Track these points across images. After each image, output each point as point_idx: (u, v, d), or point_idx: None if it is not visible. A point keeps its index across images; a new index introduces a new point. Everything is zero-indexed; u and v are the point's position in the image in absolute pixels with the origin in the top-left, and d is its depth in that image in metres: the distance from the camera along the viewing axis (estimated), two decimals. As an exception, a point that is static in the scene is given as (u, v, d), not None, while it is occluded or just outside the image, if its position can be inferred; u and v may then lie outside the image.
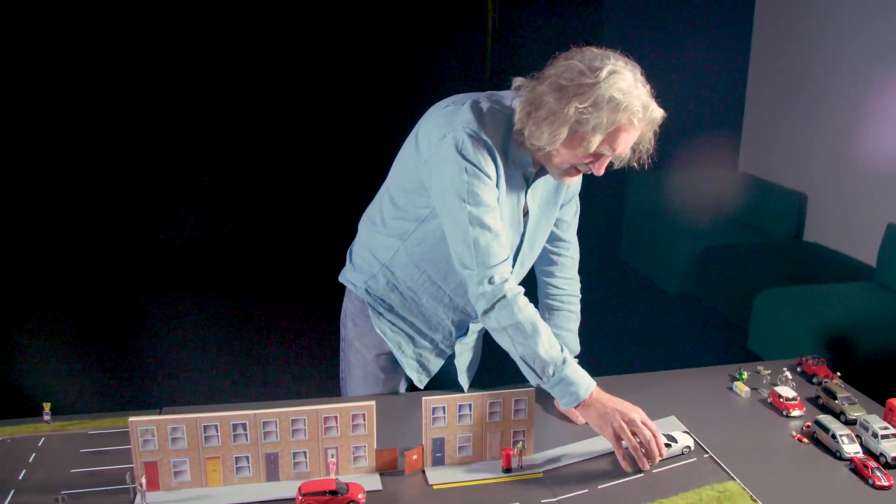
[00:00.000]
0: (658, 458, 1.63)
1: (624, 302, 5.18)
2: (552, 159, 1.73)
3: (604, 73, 1.60)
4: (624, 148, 1.69)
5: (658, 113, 1.68)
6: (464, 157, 1.67)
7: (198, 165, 5.45)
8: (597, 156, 1.70)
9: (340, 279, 2.06)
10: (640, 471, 1.63)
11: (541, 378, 1.71)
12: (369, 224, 1.98)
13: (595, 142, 1.65)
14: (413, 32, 5.45)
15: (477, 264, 1.70)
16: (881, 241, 4.33)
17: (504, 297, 1.69)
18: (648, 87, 1.67)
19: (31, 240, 5.10)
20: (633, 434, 1.63)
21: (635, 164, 1.78)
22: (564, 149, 1.69)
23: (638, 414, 1.66)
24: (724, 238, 5.32)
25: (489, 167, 1.70)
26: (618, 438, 1.64)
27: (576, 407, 1.71)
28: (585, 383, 1.71)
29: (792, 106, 5.37)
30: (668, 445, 1.66)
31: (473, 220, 1.68)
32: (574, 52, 1.67)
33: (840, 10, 4.88)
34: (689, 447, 1.69)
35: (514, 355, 1.74)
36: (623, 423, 1.63)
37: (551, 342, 1.72)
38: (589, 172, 1.75)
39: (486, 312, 1.72)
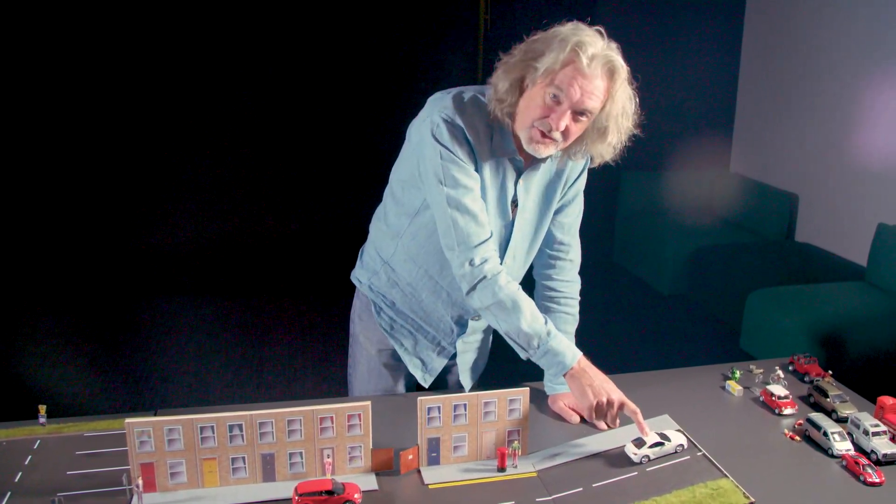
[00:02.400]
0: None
1: (617, 303, 5.20)
2: (516, 124, 1.73)
3: (566, 26, 1.66)
4: (580, 95, 1.63)
5: (619, 63, 1.65)
6: (438, 140, 1.72)
7: (195, 168, 5.44)
8: (551, 108, 1.66)
9: (351, 277, 2.11)
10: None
11: (527, 351, 1.77)
12: (376, 222, 2.04)
13: (543, 80, 1.64)
14: (410, 34, 5.46)
15: (457, 244, 1.75)
16: (872, 240, 4.36)
17: (484, 277, 1.75)
18: (621, 54, 1.67)
19: (27, 242, 5.08)
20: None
21: (616, 149, 1.77)
22: (523, 102, 1.70)
23: (617, 394, 1.76)
24: (716, 238, 5.35)
25: (463, 151, 1.73)
26: (598, 412, 1.75)
27: (563, 376, 1.78)
28: (571, 352, 1.78)
29: (783, 107, 5.41)
30: (660, 444, 1.68)
31: (451, 201, 1.73)
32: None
33: (831, 11, 4.92)
34: (682, 445, 1.70)
35: (501, 332, 1.80)
36: (604, 403, 1.75)
37: (534, 316, 1.76)
38: (549, 130, 1.67)
39: (468, 293, 1.78)
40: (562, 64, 1.62)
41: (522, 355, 1.80)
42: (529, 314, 1.76)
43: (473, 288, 1.75)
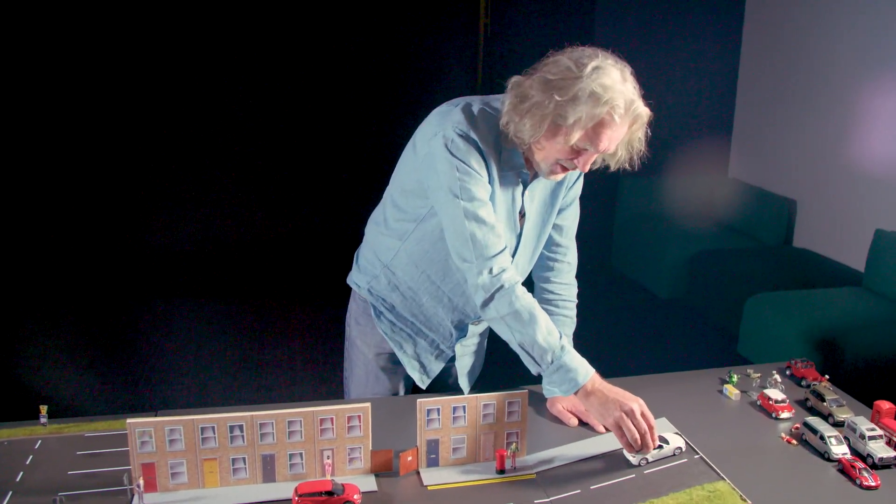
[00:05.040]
0: (651, 449, 1.66)
1: (615, 307, 5.21)
2: (536, 154, 1.76)
3: (588, 68, 1.63)
4: (608, 145, 1.69)
5: (643, 111, 1.69)
6: (453, 154, 1.72)
7: (195, 170, 5.45)
8: (579, 152, 1.71)
9: (347, 281, 2.11)
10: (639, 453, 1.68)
11: (539, 365, 1.74)
12: (374, 226, 2.03)
13: (575, 136, 1.66)
14: (409, 37, 5.49)
15: (475, 256, 1.74)
16: (869, 246, 4.37)
17: (502, 286, 1.73)
18: (637, 86, 1.69)
19: (29, 242, 5.09)
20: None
21: (627, 167, 1.81)
22: (547, 143, 1.71)
23: (637, 404, 1.69)
24: (714, 243, 5.36)
25: (479, 165, 1.74)
26: (618, 428, 1.67)
27: (575, 394, 1.74)
28: (584, 370, 1.74)
29: (781, 112, 5.42)
30: (660, 447, 1.69)
31: (468, 214, 1.72)
32: (566, 50, 1.70)
33: (829, 16, 4.94)
34: (680, 448, 1.71)
35: (514, 344, 1.76)
36: (623, 415, 1.67)
37: (549, 329, 1.74)
38: (574, 169, 1.76)
39: (485, 303, 1.74)
40: (595, 123, 1.65)
41: (534, 370, 1.77)
42: (545, 327, 1.73)
43: (491, 297, 1.73)
